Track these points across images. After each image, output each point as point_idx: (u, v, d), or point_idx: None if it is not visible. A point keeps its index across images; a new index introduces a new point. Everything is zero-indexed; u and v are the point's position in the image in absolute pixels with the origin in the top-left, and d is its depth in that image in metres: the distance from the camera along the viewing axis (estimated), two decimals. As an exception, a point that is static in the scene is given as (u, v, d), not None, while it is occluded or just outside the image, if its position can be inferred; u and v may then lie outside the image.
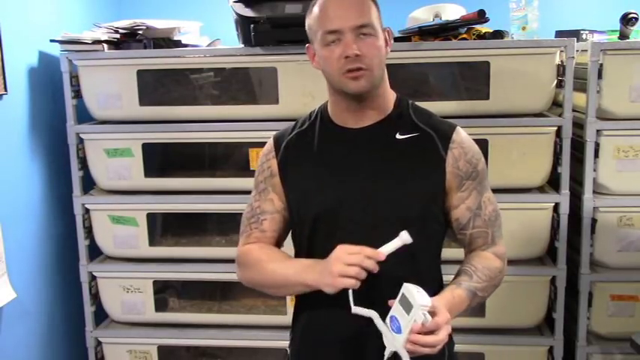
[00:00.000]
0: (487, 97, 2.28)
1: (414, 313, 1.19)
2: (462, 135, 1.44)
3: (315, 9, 1.37)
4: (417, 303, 1.19)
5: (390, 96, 1.45)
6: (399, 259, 1.30)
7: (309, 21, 1.40)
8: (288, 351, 1.56)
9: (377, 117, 1.42)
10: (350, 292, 1.27)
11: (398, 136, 1.41)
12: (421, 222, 1.38)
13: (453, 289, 1.33)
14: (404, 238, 1.26)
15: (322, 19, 1.34)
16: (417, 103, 1.49)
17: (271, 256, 1.44)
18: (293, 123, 1.53)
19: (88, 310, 2.53)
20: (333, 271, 1.25)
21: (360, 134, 1.42)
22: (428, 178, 1.39)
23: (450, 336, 1.47)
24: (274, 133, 1.54)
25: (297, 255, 1.47)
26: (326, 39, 1.34)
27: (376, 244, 1.28)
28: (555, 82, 2.26)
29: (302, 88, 2.29)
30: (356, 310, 1.28)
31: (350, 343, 1.39)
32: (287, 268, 1.39)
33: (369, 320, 1.28)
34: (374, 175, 1.39)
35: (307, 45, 1.44)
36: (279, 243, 1.52)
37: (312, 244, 1.43)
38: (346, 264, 1.24)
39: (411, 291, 1.21)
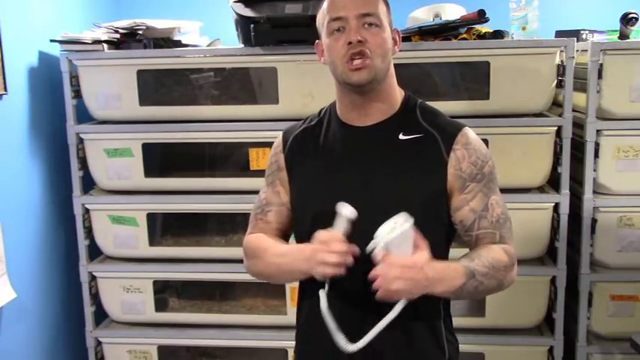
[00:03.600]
0: (487, 97, 2.29)
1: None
2: (469, 136, 1.41)
3: (325, 3, 1.41)
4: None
5: (397, 95, 1.44)
6: None
7: (318, 16, 1.43)
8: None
9: (382, 116, 1.42)
10: (322, 293, 1.34)
11: (401, 137, 1.40)
12: (421, 224, 1.34)
13: (450, 261, 1.32)
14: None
15: (329, 8, 1.38)
16: (426, 102, 1.48)
17: (269, 245, 1.45)
18: (304, 119, 1.55)
19: (88, 310, 2.53)
20: (317, 259, 1.28)
21: (363, 133, 1.42)
22: (429, 180, 1.37)
23: (451, 337, 1.47)
24: (284, 128, 1.56)
25: None
26: (331, 27, 1.36)
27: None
28: (555, 82, 2.26)
29: (302, 88, 2.29)
30: (325, 312, 1.32)
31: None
32: (282, 257, 1.41)
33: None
34: (373, 176, 1.38)
35: (317, 41, 1.45)
36: (284, 235, 1.54)
37: (312, 240, 1.43)
38: (328, 252, 1.27)
39: (387, 224, 1.24)
